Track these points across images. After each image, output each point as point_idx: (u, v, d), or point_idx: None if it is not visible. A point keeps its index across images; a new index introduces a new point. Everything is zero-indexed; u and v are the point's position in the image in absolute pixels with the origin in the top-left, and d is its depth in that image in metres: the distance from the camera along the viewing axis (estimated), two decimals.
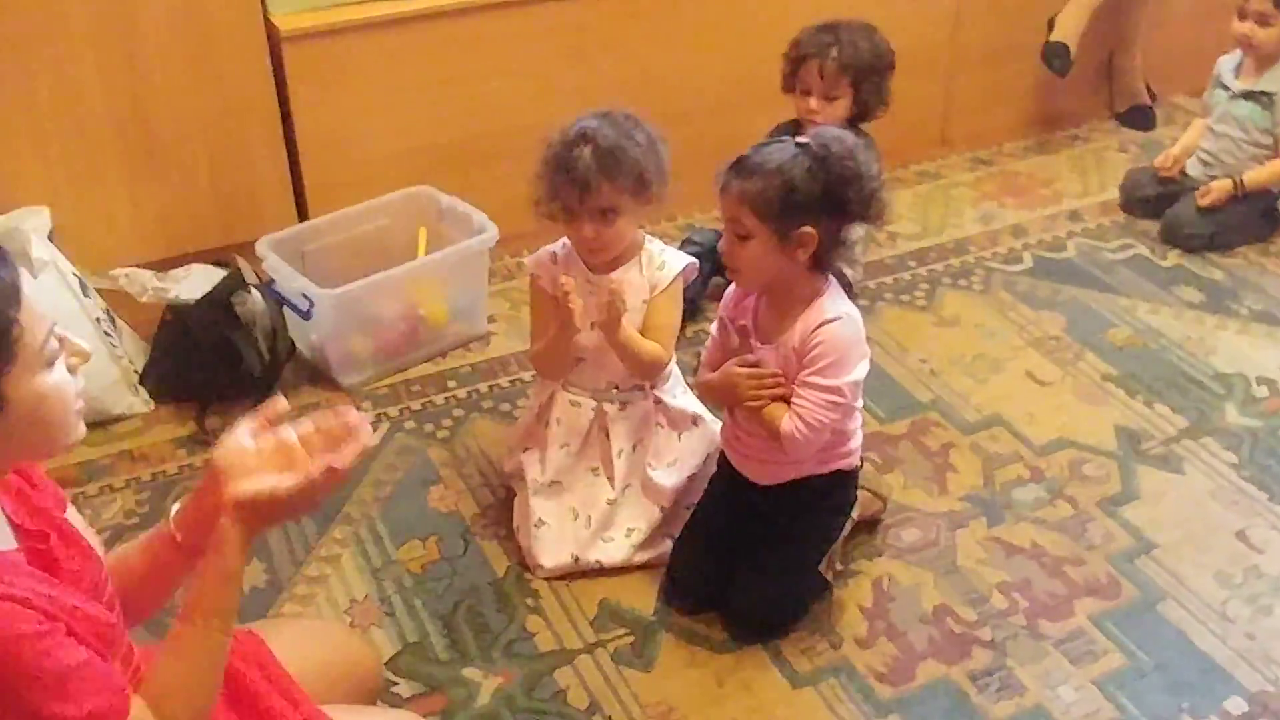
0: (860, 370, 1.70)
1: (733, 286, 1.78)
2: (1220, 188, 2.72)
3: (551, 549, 1.89)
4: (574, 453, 1.92)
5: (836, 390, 1.67)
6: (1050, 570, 1.93)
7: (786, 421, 1.67)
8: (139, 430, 2.23)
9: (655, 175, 1.82)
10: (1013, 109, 3.20)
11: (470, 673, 1.76)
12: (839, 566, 1.89)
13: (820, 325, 1.66)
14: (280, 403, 1.22)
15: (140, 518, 2.04)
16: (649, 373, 1.90)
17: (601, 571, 1.91)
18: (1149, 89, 3.30)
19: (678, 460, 1.94)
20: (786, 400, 1.70)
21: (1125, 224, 2.87)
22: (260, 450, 1.18)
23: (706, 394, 1.85)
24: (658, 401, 1.93)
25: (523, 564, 1.93)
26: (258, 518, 1.15)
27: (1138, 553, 1.96)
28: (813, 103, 2.31)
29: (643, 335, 1.87)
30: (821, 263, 1.67)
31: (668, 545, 1.91)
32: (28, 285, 1.04)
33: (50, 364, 1.05)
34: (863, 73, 2.29)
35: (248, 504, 1.14)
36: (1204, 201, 2.73)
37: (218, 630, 1.15)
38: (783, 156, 1.62)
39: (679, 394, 1.97)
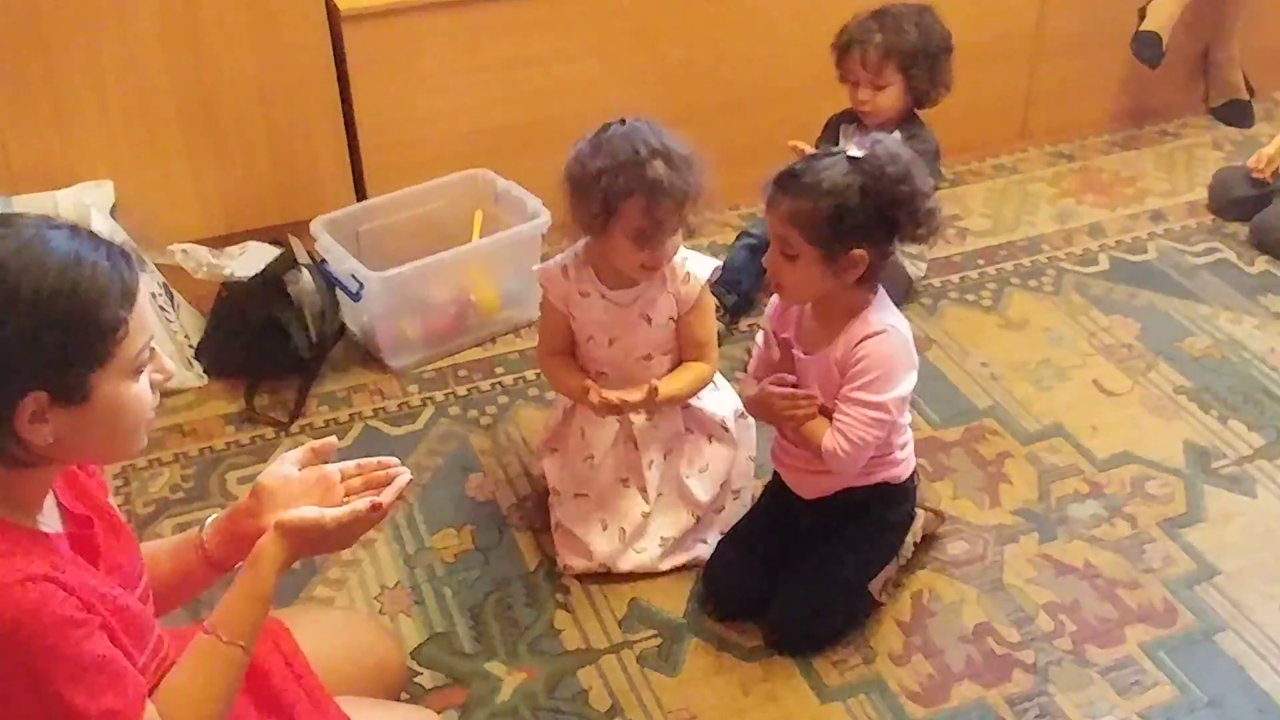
0: (906, 385, 1.65)
1: (775, 296, 1.72)
2: None
3: (579, 556, 1.87)
4: (599, 465, 1.86)
5: (880, 406, 1.62)
6: (1102, 593, 1.84)
7: (828, 438, 1.64)
8: (191, 405, 2.26)
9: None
10: (1099, 101, 3.06)
11: (494, 667, 1.75)
12: (892, 588, 1.83)
13: (864, 339, 1.61)
14: (330, 440, 1.29)
15: (185, 492, 2.07)
16: (701, 390, 1.86)
17: (633, 573, 1.87)
18: (1247, 83, 3.12)
19: (709, 466, 1.89)
20: (828, 415, 1.65)
21: (1212, 226, 2.72)
22: (304, 480, 1.25)
23: (747, 408, 1.81)
24: (685, 407, 1.87)
25: (555, 559, 1.91)
26: (300, 544, 1.19)
27: (1198, 579, 1.86)
28: (861, 93, 2.22)
29: (684, 352, 1.82)
30: (869, 279, 1.62)
31: (699, 550, 1.88)
32: (144, 294, 1.07)
33: (138, 373, 1.07)
34: (910, 58, 2.19)
35: (294, 529, 1.18)
36: None
37: (240, 648, 1.17)
38: (834, 176, 1.54)
39: (705, 396, 1.90)
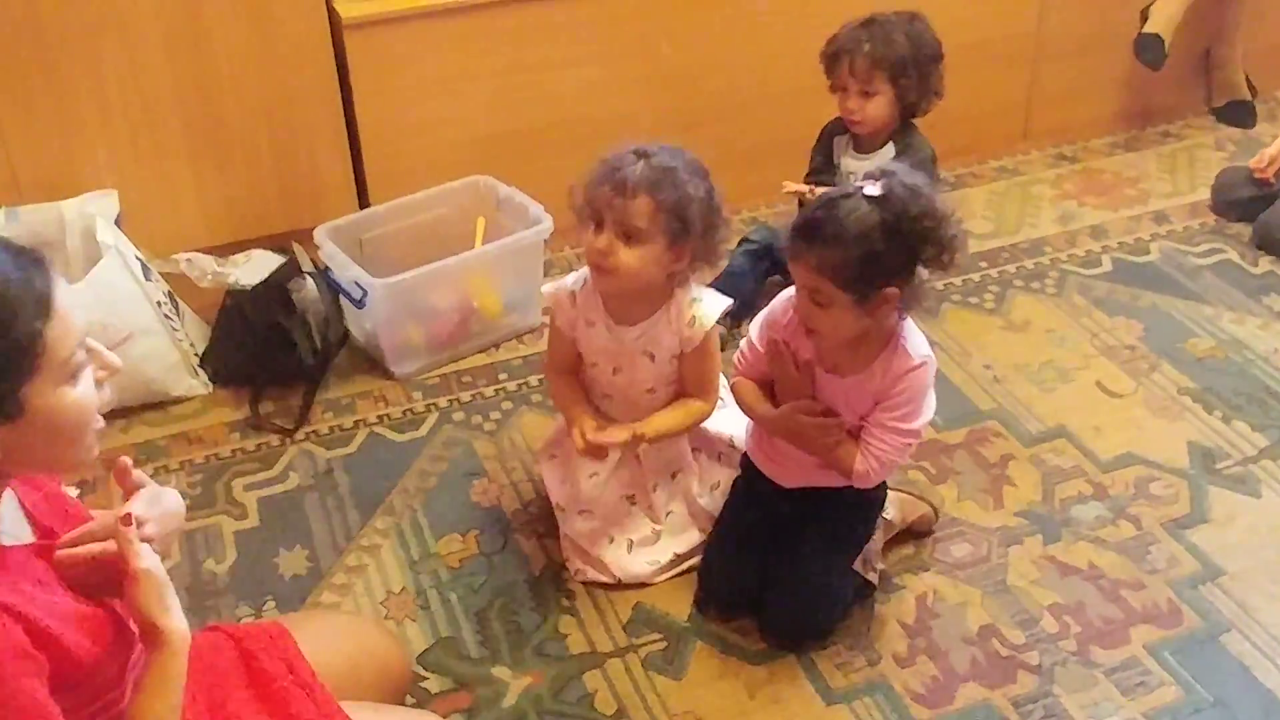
0: (931, 408, 1.68)
1: (786, 305, 1.70)
2: None
3: (590, 567, 1.86)
4: (603, 482, 1.84)
5: (913, 434, 1.66)
6: (1107, 594, 1.84)
7: (860, 462, 1.66)
8: (197, 412, 2.27)
9: (699, 227, 1.66)
10: (1101, 103, 3.07)
11: (499, 671, 1.75)
12: (879, 567, 1.84)
13: (908, 372, 1.62)
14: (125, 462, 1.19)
15: (192, 500, 2.07)
16: (694, 426, 1.83)
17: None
18: (1249, 83, 3.13)
19: (720, 483, 1.89)
20: (850, 433, 1.67)
21: (1215, 227, 2.72)
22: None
23: (758, 421, 1.78)
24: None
25: (560, 564, 1.91)
26: (135, 598, 1.10)
27: (1203, 579, 1.86)
28: (850, 102, 2.22)
29: (683, 386, 1.79)
30: (899, 308, 1.61)
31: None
32: (63, 296, 1.03)
33: (74, 376, 1.04)
34: (899, 67, 2.16)
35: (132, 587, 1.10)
36: None
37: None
38: (858, 221, 1.52)
39: (716, 416, 1.86)
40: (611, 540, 1.86)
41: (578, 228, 1.72)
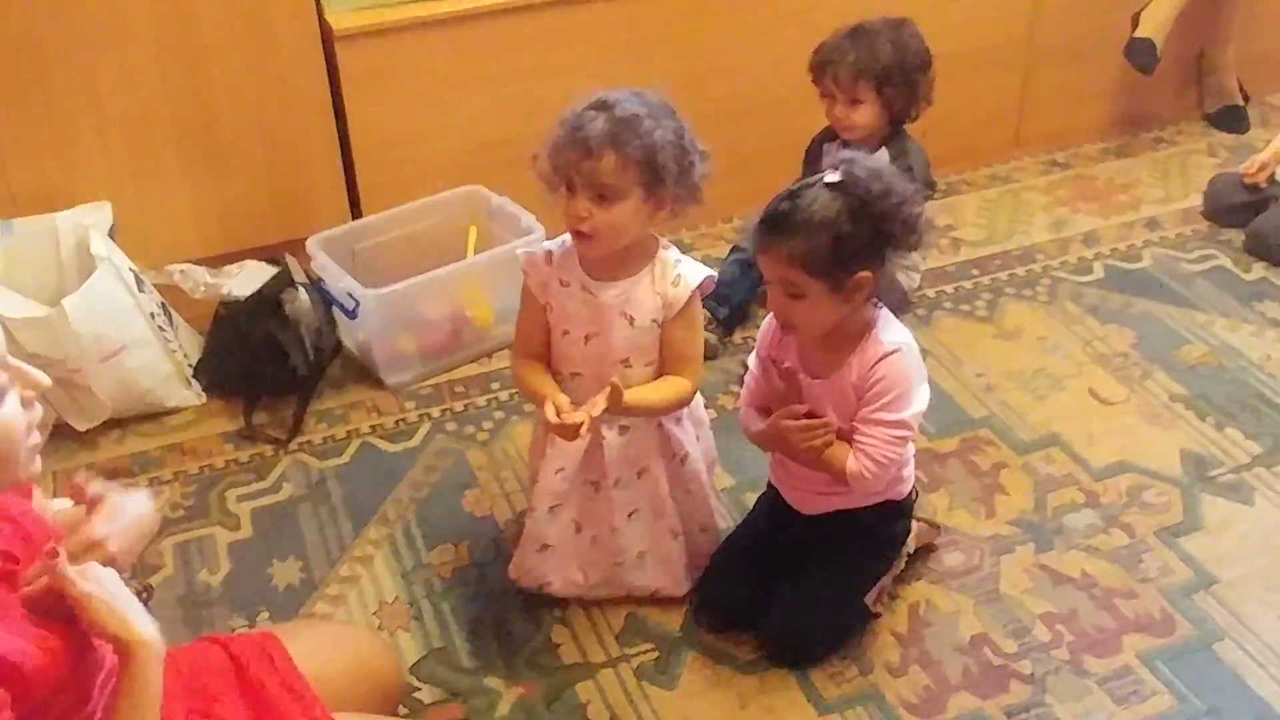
0: (922, 400, 1.65)
1: (769, 323, 1.71)
2: None
3: (559, 571, 1.83)
4: (569, 476, 1.77)
5: (901, 424, 1.62)
6: (1099, 603, 1.84)
7: (853, 461, 1.63)
8: (190, 424, 2.27)
9: (673, 171, 1.58)
10: (1093, 108, 3.07)
11: (492, 682, 1.75)
12: (888, 599, 1.83)
13: (880, 360, 1.60)
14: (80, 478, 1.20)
15: (186, 510, 2.08)
16: (678, 410, 1.76)
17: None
18: (1242, 88, 3.13)
19: (688, 481, 1.82)
20: (843, 437, 1.65)
21: (1208, 233, 2.73)
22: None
23: (756, 442, 1.77)
24: (659, 426, 1.76)
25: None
26: (90, 619, 1.09)
27: (1196, 588, 1.86)
28: (837, 110, 2.22)
29: (665, 364, 1.70)
30: (871, 296, 1.61)
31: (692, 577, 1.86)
32: None
33: None
34: (883, 77, 2.16)
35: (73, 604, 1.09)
36: None
37: None
38: (822, 207, 1.53)
39: (684, 421, 1.80)
40: (579, 530, 1.80)
41: (550, 195, 1.64)
